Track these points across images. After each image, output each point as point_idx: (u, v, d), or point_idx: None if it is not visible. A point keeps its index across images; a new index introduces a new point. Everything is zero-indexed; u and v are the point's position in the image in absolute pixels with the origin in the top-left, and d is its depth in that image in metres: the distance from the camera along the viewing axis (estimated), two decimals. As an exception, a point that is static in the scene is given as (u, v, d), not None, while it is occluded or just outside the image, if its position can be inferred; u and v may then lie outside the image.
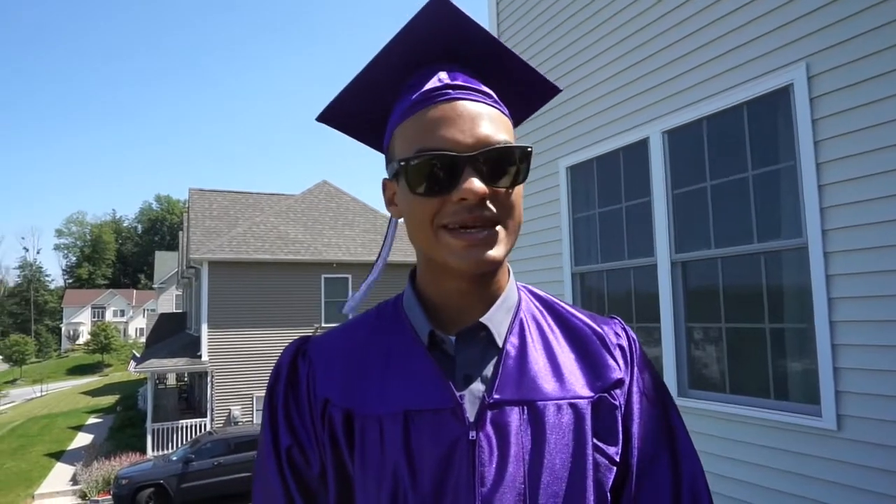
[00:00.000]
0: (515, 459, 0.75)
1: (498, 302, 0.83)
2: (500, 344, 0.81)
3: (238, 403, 18.76)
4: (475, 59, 0.83)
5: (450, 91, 0.77)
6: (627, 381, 0.85)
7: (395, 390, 0.80)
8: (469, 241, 0.74)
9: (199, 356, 18.50)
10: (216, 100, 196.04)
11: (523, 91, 0.89)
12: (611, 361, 0.85)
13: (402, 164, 0.76)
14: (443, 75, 0.79)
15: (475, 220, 0.74)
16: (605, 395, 0.82)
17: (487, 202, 0.74)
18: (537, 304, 0.89)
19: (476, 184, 0.72)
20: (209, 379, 18.53)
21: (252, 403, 18.90)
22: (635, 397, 0.85)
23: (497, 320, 0.82)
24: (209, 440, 15.14)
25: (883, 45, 2.84)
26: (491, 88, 0.82)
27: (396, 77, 0.83)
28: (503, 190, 0.76)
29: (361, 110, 0.87)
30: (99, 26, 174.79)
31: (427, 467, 0.75)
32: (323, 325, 19.93)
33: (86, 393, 36.40)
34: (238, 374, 18.82)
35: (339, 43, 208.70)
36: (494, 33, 5.81)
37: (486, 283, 0.82)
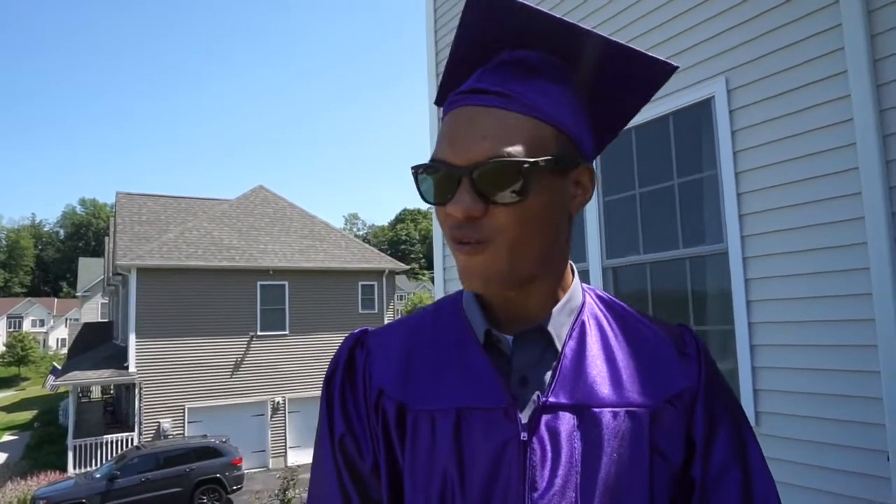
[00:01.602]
0: (568, 465, 0.73)
1: (560, 304, 0.80)
2: (559, 347, 0.79)
3: (168, 416, 18.01)
4: (545, 45, 0.77)
5: (468, 96, 0.74)
6: (695, 392, 0.80)
7: (449, 387, 0.79)
8: (462, 260, 0.73)
9: (127, 367, 17.67)
10: (147, 100, 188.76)
11: (625, 76, 0.80)
12: (677, 370, 0.81)
13: (413, 174, 0.76)
14: (479, 76, 0.76)
15: (464, 237, 0.71)
16: (669, 402, 0.78)
17: (480, 220, 0.70)
18: (602, 307, 0.86)
19: (465, 200, 0.69)
20: (137, 391, 17.71)
21: (184, 415, 18.19)
22: (703, 409, 0.79)
23: (557, 323, 0.79)
24: (136, 455, 14.48)
25: (795, 62, 3.01)
26: (575, 78, 0.77)
27: (480, 58, 0.79)
28: (503, 208, 0.70)
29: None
30: (20, 20, 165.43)
31: (477, 466, 0.74)
32: (259, 332, 19.44)
33: (0, 409, 34.12)
34: (169, 385, 18.07)
35: (275, 42, 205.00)
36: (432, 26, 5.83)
37: (530, 290, 0.78)
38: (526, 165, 0.69)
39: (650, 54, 0.78)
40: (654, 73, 0.81)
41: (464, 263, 0.73)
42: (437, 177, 0.72)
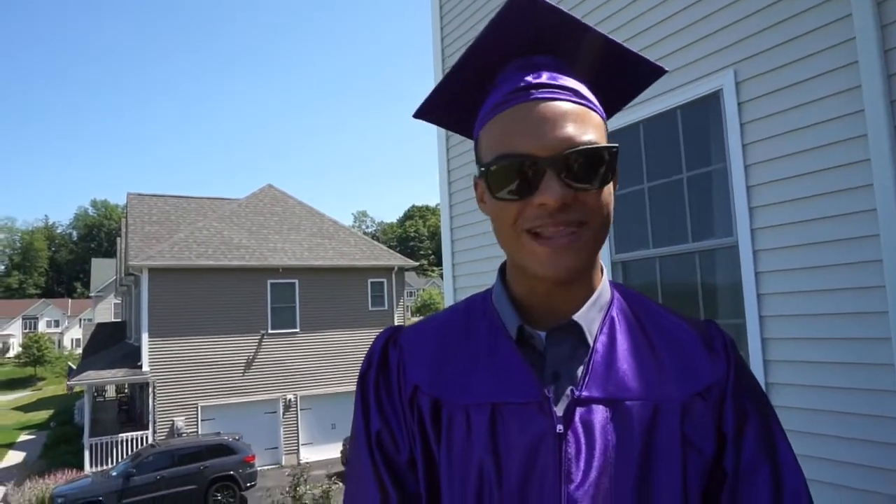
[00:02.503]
0: (602, 457, 0.74)
1: (591, 300, 0.82)
2: (591, 342, 0.80)
3: (182, 414, 18.16)
4: (566, 49, 0.81)
5: (532, 91, 0.76)
6: (723, 386, 0.81)
7: (483, 382, 0.80)
8: (551, 248, 0.73)
9: (140, 366, 17.83)
10: (156, 101, 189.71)
11: (622, 75, 0.85)
12: (705, 362, 0.82)
13: (483, 169, 0.77)
14: (527, 74, 0.77)
15: (556, 225, 0.73)
16: (699, 396, 0.79)
17: (570, 206, 0.73)
18: (631, 302, 0.87)
19: (556, 188, 0.71)
20: (151, 390, 17.87)
21: (197, 413, 18.33)
22: (732, 402, 0.81)
23: (589, 318, 0.81)
24: (151, 453, 14.62)
25: (804, 53, 2.99)
26: (585, 77, 0.80)
27: (487, 71, 0.82)
28: (591, 192, 0.74)
29: (457, 105, 0.87)
30: (35, 24, 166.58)
31: (513, 460, 0.75)
32: (270, 331, 19.54)
33: (17, 409, 34.53)
34: (181, 383, 18.22)
35: (284, 41, 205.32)
36: (438, 29, 5.83)
37: (575, 283, 0.80)
38: (614, 150, 0.75)
39: (646, 57, 0.85)
40: (647, 74, 0.87)
41: (554, 250, 0.73)
42: (517, 170, 0.73)
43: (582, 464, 0.73)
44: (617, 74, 0.84)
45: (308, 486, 12.18)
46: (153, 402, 17.87)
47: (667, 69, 0.87)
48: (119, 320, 32.36)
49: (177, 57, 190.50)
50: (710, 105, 3.46)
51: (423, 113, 0.90)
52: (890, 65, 2.66)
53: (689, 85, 3.53)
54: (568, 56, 0.80)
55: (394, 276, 21.94)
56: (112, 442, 17.54)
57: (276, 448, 19.31)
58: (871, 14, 2.69)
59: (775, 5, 3.11)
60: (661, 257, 3.78)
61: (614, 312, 0.84)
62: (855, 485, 2.76)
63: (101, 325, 27.11)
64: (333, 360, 20.18)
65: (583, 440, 0.74)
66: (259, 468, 16.32)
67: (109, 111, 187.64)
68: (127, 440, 17.61)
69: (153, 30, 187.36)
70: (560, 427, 0.75)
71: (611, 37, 0.81)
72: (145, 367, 17.79)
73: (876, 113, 2.68)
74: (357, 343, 20.39)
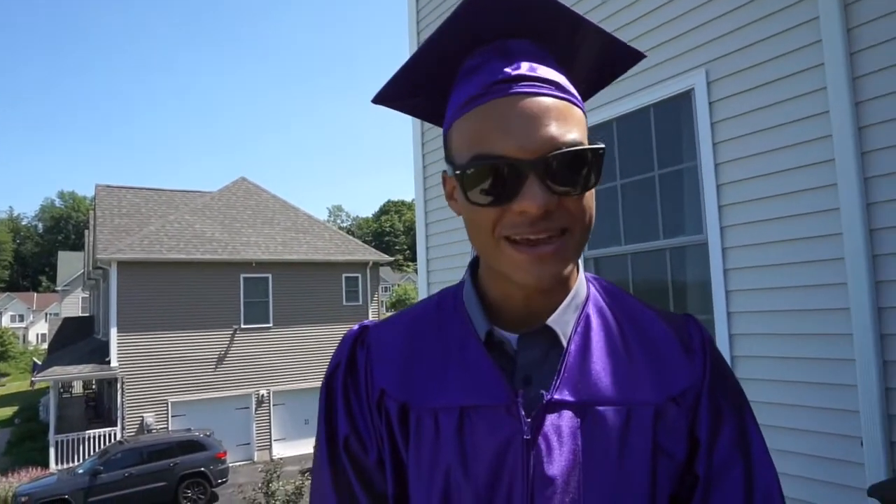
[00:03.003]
0: (571, 463, 0.72)
1: (566, 301, 0.79)
2: (564, 344, 0.77)
3: (151, 410, 17.86)
4: (543, 31, 0.74)
5: (512, 85, 0.69)
6: (700, 386, 0.79)
7: (452, 385, 0.78)
8: (533, 256, 0.68)
9: (108, 362, 17.48)
10: (126, 91, 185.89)
11: (600, 59, 0.80)
12: (682, 363, 0.79)
13: (458, 172, 0.70)
14: (505, 65, 0.70)
15: (538, 233, 0.68)
16: (673, 400, 0.77)
17: (553, 212, 0.68)
18: (607, 298, 0.84)
19: (538, 194, 0.66)
20: (119, 386, 17.54)
21: (167, 410, 18.05)
22: (708, 403, 0.79)
23: (563, 321, 0.78)
24: (119, 450, 14.34)
25: (774, 54, 3.04)
26: (562, 60, 0.75)
27: (458, 54, 0.75)
28: (573, 196, 0.69)
29: (423, 91, 0.80)
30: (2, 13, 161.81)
31: (481, 463, 0.74)
32: (242, 325, 19.32)
33: (-21, 405, 33.62)
34: (151, 379, 17.91)
35: (258, 33, 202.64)
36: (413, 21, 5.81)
37: (552, 286, 0.76)
38: (600, 151, 0.70)
39: (625, 41, 0.80)
40: (626, 60, 0.82)
41: (536, 258, 0.69)
42: (495, 173, 0.67)
43: (550, 469, 0.72)
44: (595, 58, 0.80)
45: (281, 483, 12.08)
46: (122, 398, 17.54)
47: (645, 54, 0.82)
48: (87, 315, 31.70)
49: (148, 45, 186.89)
50: (682, 104, 3.51)
51: (383, 98, 0.82)
52: (855, 67, 2.73)
53: (662, 84, 3.57)
54: (545, 39, 0.75)
55: (368, 271, 21.85)
56: (79, 439, 17.17)
57: (249, 444, 19.13)
58: (838, 18, 2.75)
59: (746, 6, 3.17)
60: (633, 254, 3.83)
61: (590, 310, 0.81)
62: (817, 476, 2.84)
63: (67, 320, 26.53)
64: (307, 355, 20.03)
65: (552, 445, 0.73)
66: (231, 464, 16.14)
67: (77, 100, 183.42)
68: (94, 437, 17.24)
69: (122, 17, 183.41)
70: (528, 432, 0.73)
71: (589, 18, 0.76)
72: (114, 363, 17.44)
73: (840, 114, 2.74)
74: (331, 338, 20.26)
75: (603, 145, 0.71)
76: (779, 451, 2.93)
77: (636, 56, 0.82)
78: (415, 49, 5.16)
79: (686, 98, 3.47)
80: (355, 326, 0.89)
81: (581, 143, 0.69)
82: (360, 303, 21.43)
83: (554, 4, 0.73)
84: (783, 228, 2.99)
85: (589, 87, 0.82)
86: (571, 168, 0.68)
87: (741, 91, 3.18)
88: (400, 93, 0.81)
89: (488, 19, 0.73)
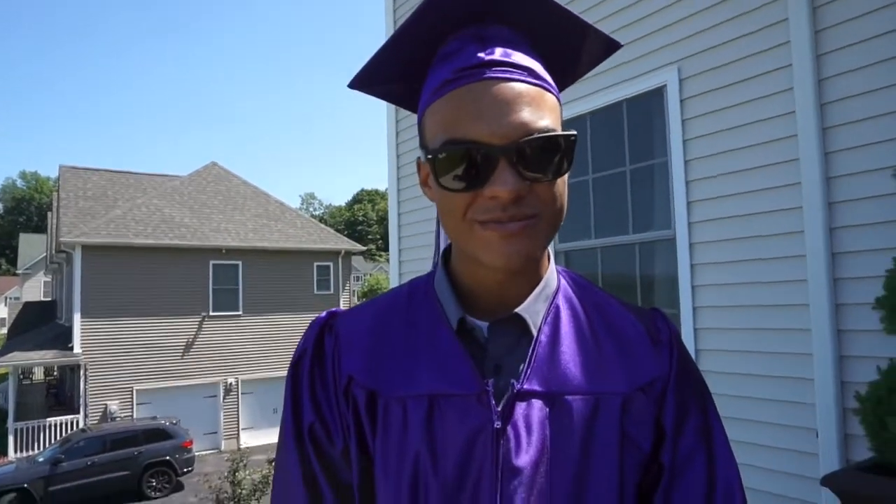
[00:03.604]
0: (539, 452, 0.73)
1: (536, 290, 0.79)
2: (535, 333, 0.78)
3: (116, 398, 17.54)
4: (519, 17, 0.74)
5: (485, 70, 0.69)
6: (667, 377, 0.80)
7: (422, 373, 0.77)
8: (502, 234, 0.69)
9: (71, 348, 17.08)
10: (92, 69, 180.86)
11: (577, 48, 0.81)
12: (649, 355, 0.81)
13: (430, 157, 0.71)
14: (479, 50, 0.71)
15: (510, 218, 0.69)
16: (640, 390, 0.78)
17: (524, 197, 0.69)
18: (577, 291, 0.85)
19: (509, 179, 0.66)
20: (83, 372, 17.17)
21: (132, 397, 17.74)
22: (674, 394, 0.80)
23: (534, 310, 0.78)
24: (82, 438, 14.07)
25: (744, 54, 3.10)
26: (538, 48, 0.75)
27: (433, 39, 0.75)
28: (544, 182, 0.70)
29: (398, 76, 0.80)
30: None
31: (449, 452, 0.73)
32: (211, 313, 19.06)
33: (-66, 391, 32.58)
34: (116, 366, 17.57)
35: (229, 16, 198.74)
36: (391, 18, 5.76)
37: (523, 272, 0.78)
38: (571, 137, 0.70)
39: (601, 30, 0.80)
40: (602, 49, 0.83)
41: (507, 241, 0.70)
42: (467, 158, 0.68)
43: (519, 458, 0.72)
44: (572, 47, 0.80)
45: (247, 472, 11.98)
46: (85, 385, 17.18)
47: (621, 44, 0.83)
48: (49, 299, 30.91)
49: (115, 21, 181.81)
50: (654, 100, 3.55)
51: (360, 83, 0.82)
52: (821, 69, 2.79)
53: (635, 79, 3.61)
54: (522, 26, 0.75)
55: (340, 259, 21.72)
56: (39, 426, 16.77)
57: (216, 433, 18.92)
58: (806, 19, 2.81)
59: (719, 6, 3.21)
60: (603, 248, 3.87)
61: (560, 301, 0.82)
62: (773, 467, 2.92)
63: (28, 304, 25.83)
64: (277, 343, 19.86)
65: (522, 434, 0.73)
66: (197, 453, 15.95)
67: (40, 78, 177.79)
68: (56, 425, 16.86)
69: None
70: (498, 421, 0.73)
71: (566, 6, 0.77)
72: (77, 349, 17.06)
73: (806, 114, 2.81)
74: (301, 327, 20.09)
75: (575, 132, 0.72)
76: (739, 442, 3.00)
77: (612, 45, 0.82)
78: (391, 32, 5.11)
79: (658, 94, 3.51)
80: (323, 313, 0.88)
81: (553, 130, 0.69)
82: (332, 292, 21.30)
83: None
84: (747, 225, 3.06)
85: (566, 76, 0.82)
86: (543, 154, 0.68)
87: (712, 89, 3.23)
88: (376, 78, 0.82)
89: (464, 4, 0.73)
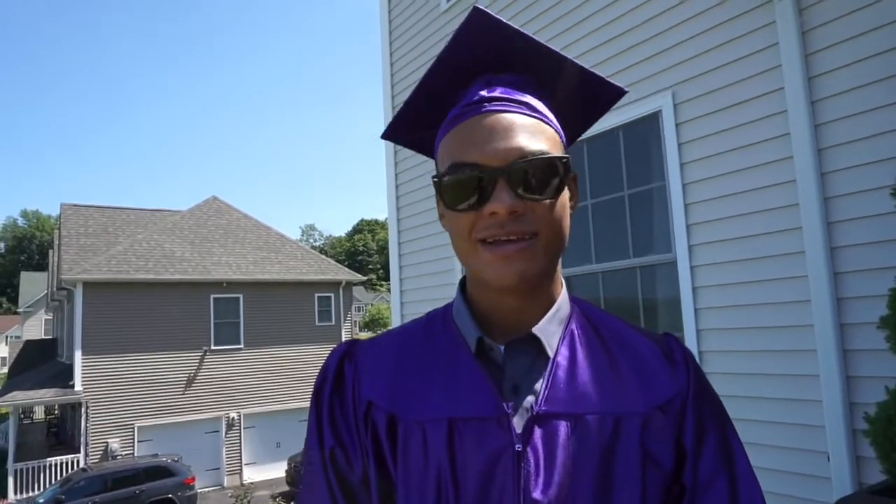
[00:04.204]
0: (561, 473, 0.73)
1: (550, 313, 0.81)
2: (551, 355, 0.79)
3: (117, 435, 17.33)
4: (523, 67, 0.82)
5: (486, 104, 0.77)
6: (685, 394, 0.81)
7: (441, 397, 0.78)
8: (501, 254, 0.73)
9: (72, 386, 16.94)
10: (93, 108, 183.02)
11: (583, 95, 0.87)
12: (666, 374, 0.82)
13: (436, 179, 0.78)
14: (483, 89, 0.79)
15: (508, 235, 0.73)
16: (659, 409, 0.79)
17: (522, 216, 0.74)
18: (590, 317, 0.87)
19: (506, 197, 0.72)
20: (84, 410, 17.00)
21: (133, 435, 17.53)
22: (692, 415, 0.80)
23: (549, 331, 0.80)
24: (83, 477, 13.86)
25: (737, 78, 3.14)
26: (549, 96, 0.82)
27: (449, 91, 0.83)
28: (542, 202, 0.74)
29: (420, 126, 0.88)
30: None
31: (470, 477, 0.74)
32: (213, 347, 18.95)
33: (-66, 433, 32.21)
34: (118, 403, 17.40)
35: (228, 53, 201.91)
36: (387, 50, 5.85)
37: (534, 295, 0.80)
38: (564, 160, 0.76)
39: (608, 79, 0.86)
40: (608, 95, 0.88)
41: (505, 258, 0.74)
42: (469, 180, 0.74)
43: (541, 480, 0.72)
44: (578, 94, 0.86)
45: (251, 508, 11.80)
46: (86, 423, 17.00)
47: (626, 90, 0.88)
48: (50, 337, 30.78)
49: (115, 61, 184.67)
50: (649, 125, 3.59)
51: (389, 135, 0.92)
52: (813, 90, 2.83)
53: (630, 105, 3.65)
54: (527, 74, 0.82)
55: (341, 290, 21.68)
56: (40, 466, 16.54)
57: (218, 469, 18.64)
58: (797, 45, 2.86)
59: (710, 31, 3.27)
60: (604, 272, 3.87)
61: (574, 326, 0.83)
62: (784, 491, 2.87)
63: (29, 343, 25.74)
64: (279, 376, 19.71)
65: (542, 456, 0.74)
66: (200, 490, 15.70)
67: (42, 117, 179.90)
68: (56, 464, 16.62)
69: (88, 32, 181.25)
70: (519, 444, 0.74)
71: (567, 55, 0.83)
72: (78, 387, 16.92)
73: (800, 135, 2.83)
74: (303, 359, 19.99)
75: (568, 155, 0.77)
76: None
77: (618, 92, 0.87)
78: (388, 66, 5.12)
79: (654, 120, 3.55)
80: (343, 343, 0.91)
81: (549, 153, 0.75)
82: (333, 323, 21.21)
83: (533, 42, 0.81)
84: (748, 247, 3.06)
85: (576, 125, 0.89)
86: (538, 175, 0.74)
87: (707, 113, 3.27)
88: (400, 130, 0.91)
89: (473, 57, 0.81)
